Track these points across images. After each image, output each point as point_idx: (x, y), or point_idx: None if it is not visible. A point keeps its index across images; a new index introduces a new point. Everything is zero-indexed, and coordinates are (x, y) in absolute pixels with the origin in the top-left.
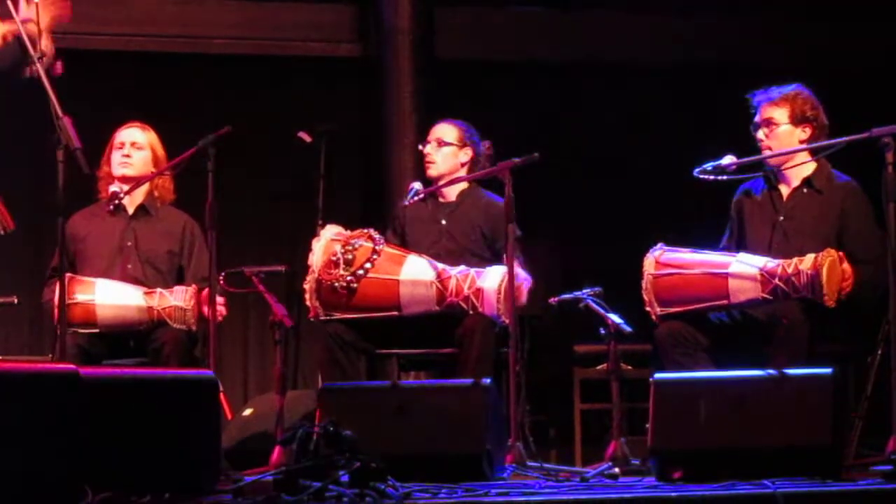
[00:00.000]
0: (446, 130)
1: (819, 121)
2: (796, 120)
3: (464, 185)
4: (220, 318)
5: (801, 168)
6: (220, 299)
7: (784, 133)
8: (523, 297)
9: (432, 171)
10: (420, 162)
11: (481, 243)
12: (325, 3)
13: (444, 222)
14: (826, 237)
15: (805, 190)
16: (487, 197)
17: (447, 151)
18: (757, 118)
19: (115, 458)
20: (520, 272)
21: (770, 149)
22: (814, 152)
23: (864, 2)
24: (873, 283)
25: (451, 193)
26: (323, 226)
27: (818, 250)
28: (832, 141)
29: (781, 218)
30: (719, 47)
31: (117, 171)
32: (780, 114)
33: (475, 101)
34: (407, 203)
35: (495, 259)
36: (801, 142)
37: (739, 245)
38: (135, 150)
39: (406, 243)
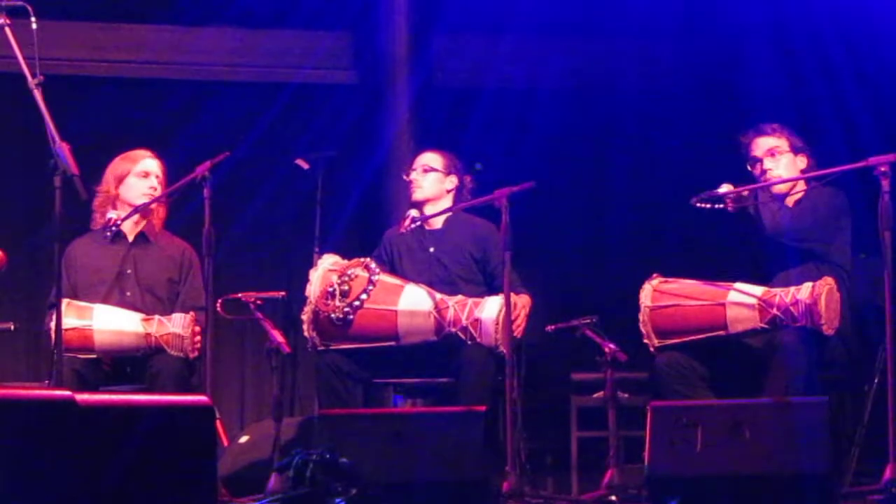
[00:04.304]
0: (431, 158)
1: (809, 150)
2: (795, 149)
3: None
4: (195, 350)
5: (795, 195)
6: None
7: (789, 161)
8: (523, 327)
9: (418, 195)
10: None
11: (472, 268)
12: (322, 31)
13: (432, 250)
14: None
15: None
16: (473, 220)
17: (433, 177)
18: (755, 153)
19: (110, 484)
20: (517, 300)
21: (780, 177)
22: (812, 180)
23: None
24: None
25: (437, 221)
26: (320, 253)
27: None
28: (830, 170)
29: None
30: (716, 71)
31: (139, 200)
32: (782, 143)
33: (472, 129)
34: (403, 231)
35: (488, 281)
36: (801, 171)
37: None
38: (157, 182)
39: (397, 271)
